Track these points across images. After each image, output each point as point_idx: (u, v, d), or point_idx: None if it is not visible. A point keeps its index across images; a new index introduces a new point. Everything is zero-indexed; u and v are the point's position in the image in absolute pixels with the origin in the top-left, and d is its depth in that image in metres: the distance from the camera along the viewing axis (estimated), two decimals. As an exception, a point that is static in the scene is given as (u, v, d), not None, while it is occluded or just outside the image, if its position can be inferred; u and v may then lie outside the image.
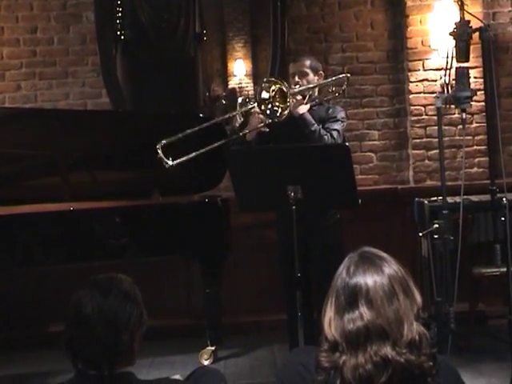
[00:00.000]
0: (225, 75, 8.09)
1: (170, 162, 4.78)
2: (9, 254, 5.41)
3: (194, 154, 4.89)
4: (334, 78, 5.15)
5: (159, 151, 4.80)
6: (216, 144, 4.92)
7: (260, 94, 4.70)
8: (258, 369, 5.78)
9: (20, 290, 6.37)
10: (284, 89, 4.67)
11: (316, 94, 5.09)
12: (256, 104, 4.74)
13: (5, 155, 5.74)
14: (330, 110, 5.07)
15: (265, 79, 4.90)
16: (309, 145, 4.75)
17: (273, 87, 4.69)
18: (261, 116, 4.77)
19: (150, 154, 5.90)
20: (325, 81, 5.17)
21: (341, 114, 5.07)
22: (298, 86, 4.96)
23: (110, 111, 6.73)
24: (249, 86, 8.15)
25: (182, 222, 5.72)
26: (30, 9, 6.85)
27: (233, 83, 8.05)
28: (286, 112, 4.67)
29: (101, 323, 2.37)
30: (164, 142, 4.82)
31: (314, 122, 4.89)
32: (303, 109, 4.91)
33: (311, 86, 5.02)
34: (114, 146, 5.96)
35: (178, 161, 4.83)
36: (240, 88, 8.13)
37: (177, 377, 2.88)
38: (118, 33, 7.44)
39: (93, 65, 6.91)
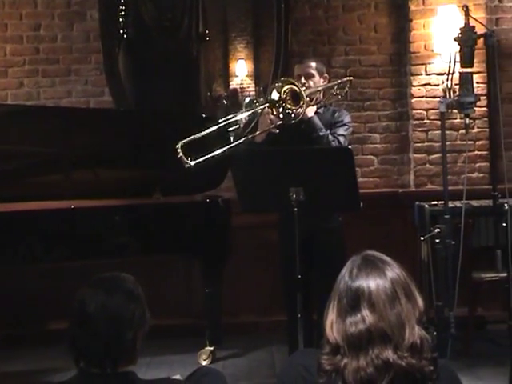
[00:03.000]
0: (226, 75, 8.08)
1: (191, 163, 4.60)
2: (10, 250, 5.41)
3: (213, 153, 4.72)
4: (339, 81, 5.12)
5: (179, 151, 4.61)
6: (233, 144, 4.82)
7: (270, 95, 4.65)
8: (256, 370, 5.79)
9: (21, 288, 6.37)
10: (297, 89, 4.62)
11: (321, 96, 5.09)
12: (267, 104, 4.67)
13: (7, 152, 5.73)
14: (336, 114, 5.06)
15: (280, 79, 4.86)
16: (312, 147, 4.75)
17: (285, 87, 4.64)
18: (271, 116, 4.71)
19: (152, 153, 5.94)
20: (332, 83, 5.14)
21: (347, 119, 5.06)
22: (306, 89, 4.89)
23: (112, 109, 6.73)
24: (250, 86, 8.16)
25: (183, 222, 5.73)
26: (34, 6, 6.84)
27: (234, 84, 8.05)
28: (299, 112, 4.61)
29: (104, 322, 2.38)
30: (183, 142, 4.64)
31: (322, 126, 4.88)
32: (311, 111, 4.89)
33: (320, 88, 5.03)
34: (116, 145, 5.96)
35: (198, 161, 4.64)
36: (241, 88, 8.13)
37: (177, 377, 2.89)
38: (121, 31, 7.43)
39: (96, 63, 6.90)
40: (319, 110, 5.02)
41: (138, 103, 7.27)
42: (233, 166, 4.51)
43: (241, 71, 7.92)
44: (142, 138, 5.95)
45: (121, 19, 7.37)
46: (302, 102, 4.60)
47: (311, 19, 6.94)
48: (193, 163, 4.60)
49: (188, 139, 4.68)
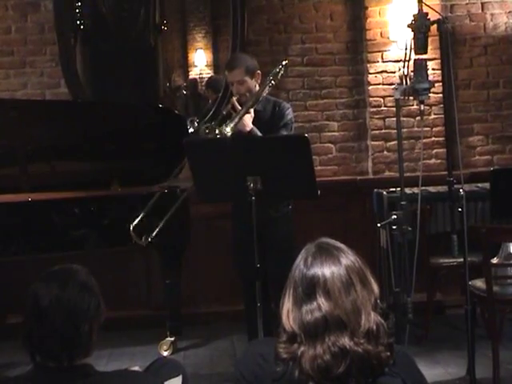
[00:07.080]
0: (185, 66, 8.06)
1: (144, 241, 5.47)
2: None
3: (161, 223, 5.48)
4: (271, 77, 4.95)
5: (132, 234, 5.41)
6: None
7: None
8: (217, 359, 5.80)
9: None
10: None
11: (255, 93, 4.96)
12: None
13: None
14: (277, 109, 4.99)
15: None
16: (268, 136, 4.74)
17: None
18: None
19: (109, 144, 5.91)
20: (267, 85, 4.95)
21: (288, 116, 4.98)
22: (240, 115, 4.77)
23: (68, 101, 6.67)
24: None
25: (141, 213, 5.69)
26: (-14, -2, 6.76)
27: (193, 74, 8.03)
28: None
29: (59, 315, 2.36)
30: (134, 223, 5.41)
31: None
32: (249, 123, 4.79)
33: (251, 102, 4.85)
34: (73, 136, 5.90)
35: (150, 239, 5.47)
36: (201, 78, 8.11)
37: (136, 368, 2.88)
38: (78, 22, 7.37)
39: (51, 54, 6.82)
40: (258, 108, 4.94)
41: (94, 94, 7.22)
42: (189, 156, 4.49)
43: (200, 61, 7.90)
44: (99, 129, 5.90)
45: (77, 10, 7.30)
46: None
47: (267, 8, 6.93)
48: (146, 241, 5.49)
49: (138, 219, 5.43)
